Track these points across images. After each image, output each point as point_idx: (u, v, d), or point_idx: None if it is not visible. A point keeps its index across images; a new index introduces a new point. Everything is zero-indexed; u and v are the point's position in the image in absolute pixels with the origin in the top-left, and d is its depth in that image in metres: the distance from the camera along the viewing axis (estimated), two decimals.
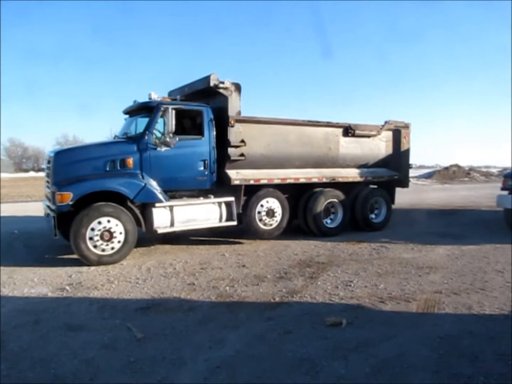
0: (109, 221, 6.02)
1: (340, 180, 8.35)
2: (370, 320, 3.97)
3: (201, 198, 7.02)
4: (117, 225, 6.07)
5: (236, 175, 7.19)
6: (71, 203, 5.85)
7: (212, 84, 6.97)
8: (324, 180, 8.15)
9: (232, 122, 7.06)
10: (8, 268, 5.79)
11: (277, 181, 7.62)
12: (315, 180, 8.07)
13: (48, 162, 6.49)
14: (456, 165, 33.39)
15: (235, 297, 4.64)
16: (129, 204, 6.33)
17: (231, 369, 3.06)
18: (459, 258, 6.36)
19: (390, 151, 9.20)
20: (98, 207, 5.99)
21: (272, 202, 7.66)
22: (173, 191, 6.83)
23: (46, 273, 5.61)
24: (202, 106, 7.07)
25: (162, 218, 6.52)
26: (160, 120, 6.62)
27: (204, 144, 6.97)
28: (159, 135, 6.55)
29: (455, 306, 4.31)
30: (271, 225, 7.70)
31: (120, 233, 6.11)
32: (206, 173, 6.98)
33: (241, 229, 7.77)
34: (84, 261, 5.94)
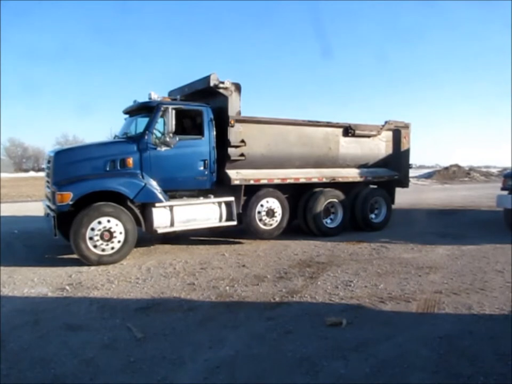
0: (109, 221, 6.03)
1: (340, 179, 8.35)
2: (370, 320, 3.97)
3: (201, 198, 7.03)
4: (117, 225, 6.08)
5: (236, 175, 7.19)
6: (71, 203, 5.86)
7: (212, 84, 6.97)
8: (324, 180, 8.15)
9: (232, 122, 7.07)
10: (8, 268, 5.80)
11: (277, 181, 7.63)
12: (315, 180, 8.07)
13: (48, 162, 6.49)
14: (456, 165, 33.39)
15: (235, 297, 4.64)
16: (129, 203, 6.33)
17: (231, 369, 3.06)
18: (459, 258, 6.37)
19: (390, 151, 9.20)
20: (98, 207, 6.00)
21: (272, 202, 7.67)
22: (173, 191, 6.83)
23: (46, 273, 5.62)
24: (202, 106, 7.07)
25: (162, 218, 6.52)
26: (160, 120, 6.62)
27: (204, 144, 6.97)
28: (159, 135, 6.55)
29: (455, 306, 4.31)
30: (271, 225, 7.70)
31: (120, 233, 6.11)
32: (206, 172, 6.99)
33: (241, 229, 7.78)
34: (84, 260, 5.95)
